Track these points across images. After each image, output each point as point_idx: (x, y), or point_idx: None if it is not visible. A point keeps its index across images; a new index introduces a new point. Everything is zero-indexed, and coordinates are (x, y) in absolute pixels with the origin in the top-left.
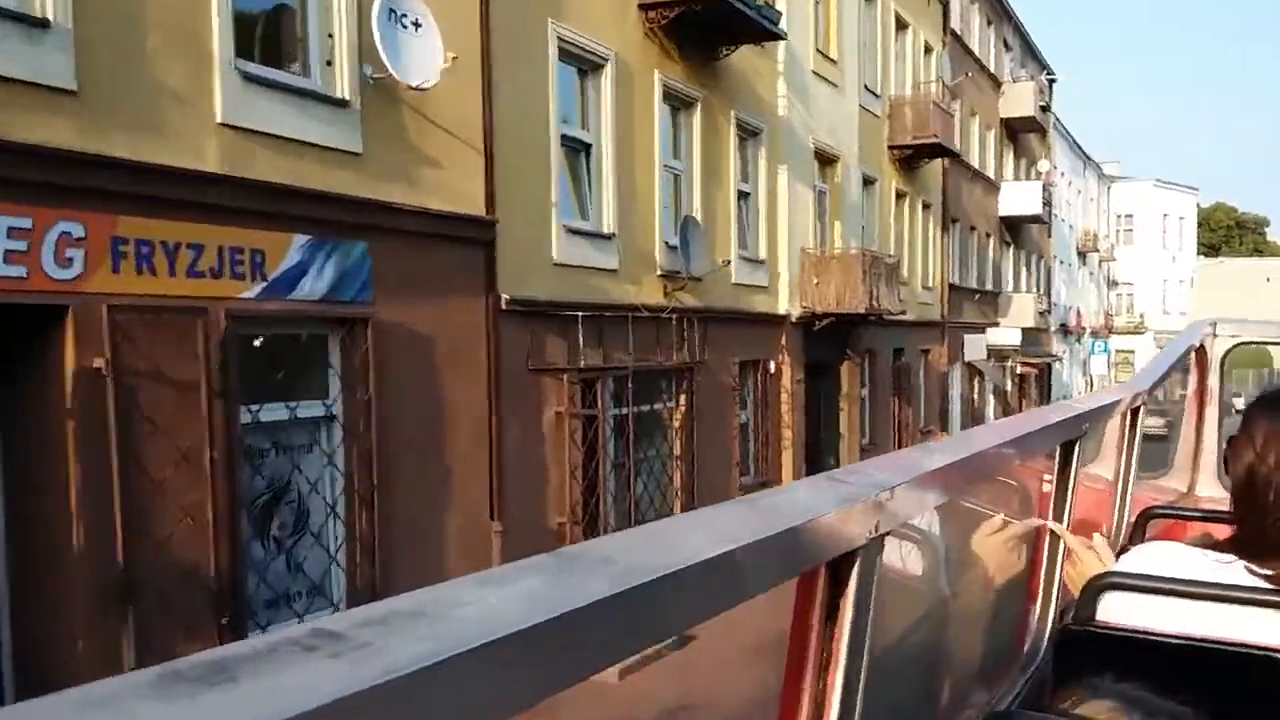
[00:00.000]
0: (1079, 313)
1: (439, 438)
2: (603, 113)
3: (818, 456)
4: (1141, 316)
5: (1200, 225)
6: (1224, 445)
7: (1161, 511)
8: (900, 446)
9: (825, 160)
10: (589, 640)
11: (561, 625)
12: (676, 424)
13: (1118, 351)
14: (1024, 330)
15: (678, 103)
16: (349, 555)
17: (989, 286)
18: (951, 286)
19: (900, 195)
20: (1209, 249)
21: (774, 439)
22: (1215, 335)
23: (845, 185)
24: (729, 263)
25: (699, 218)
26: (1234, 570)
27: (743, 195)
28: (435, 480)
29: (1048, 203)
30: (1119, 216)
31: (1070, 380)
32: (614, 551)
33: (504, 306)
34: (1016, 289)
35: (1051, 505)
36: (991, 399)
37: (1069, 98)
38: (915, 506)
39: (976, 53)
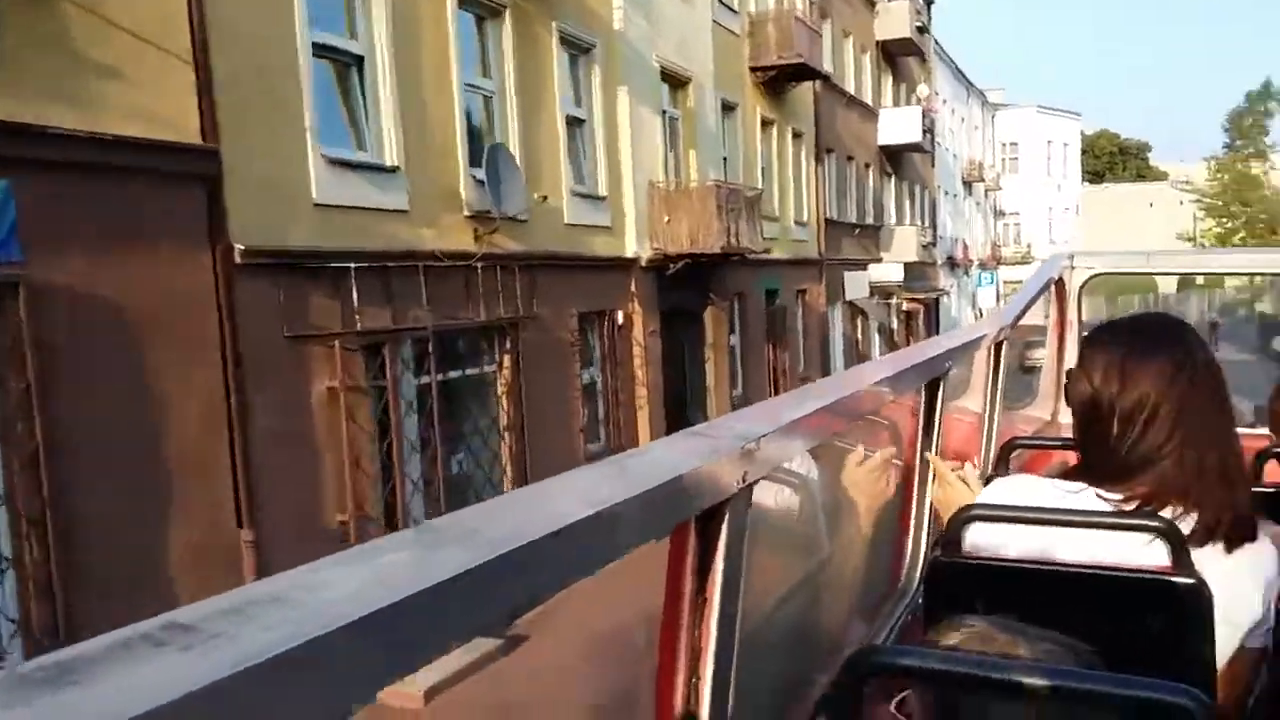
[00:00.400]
0: (965, 245)
1: (150, 432)
2: (374, 18)
3: (681, 413)
4: (1029, 246)
5: (1084, 153)
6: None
7: (1023, 442)
8: (777, 394)
9: (675, 82)
10: (456, 612)
11: (426, 599)
12: (501, 389)
13: (1006, 283)
14: (908, 265)
15: (480, 10)
16: (18, 596)
17: (870, 220)
18: (828, 221)
19: (767, 123)
20: (1093, 176)
21: (627, 398)
22: (1073, 268)
23: (700, 111)
24: (546, 198)
25: (517, 147)
26: (1083, 498)
27: (575, 122)
28: (147, 487)
29: (929, 130)
30: (1004, 145)
31: (960, 314)
32: (479, 522)
33: (239, 260)
34: (900, 222)
35: (919, 440)
36: (877, 338)
37: (948, 21)
38: (783, 454)
39: None
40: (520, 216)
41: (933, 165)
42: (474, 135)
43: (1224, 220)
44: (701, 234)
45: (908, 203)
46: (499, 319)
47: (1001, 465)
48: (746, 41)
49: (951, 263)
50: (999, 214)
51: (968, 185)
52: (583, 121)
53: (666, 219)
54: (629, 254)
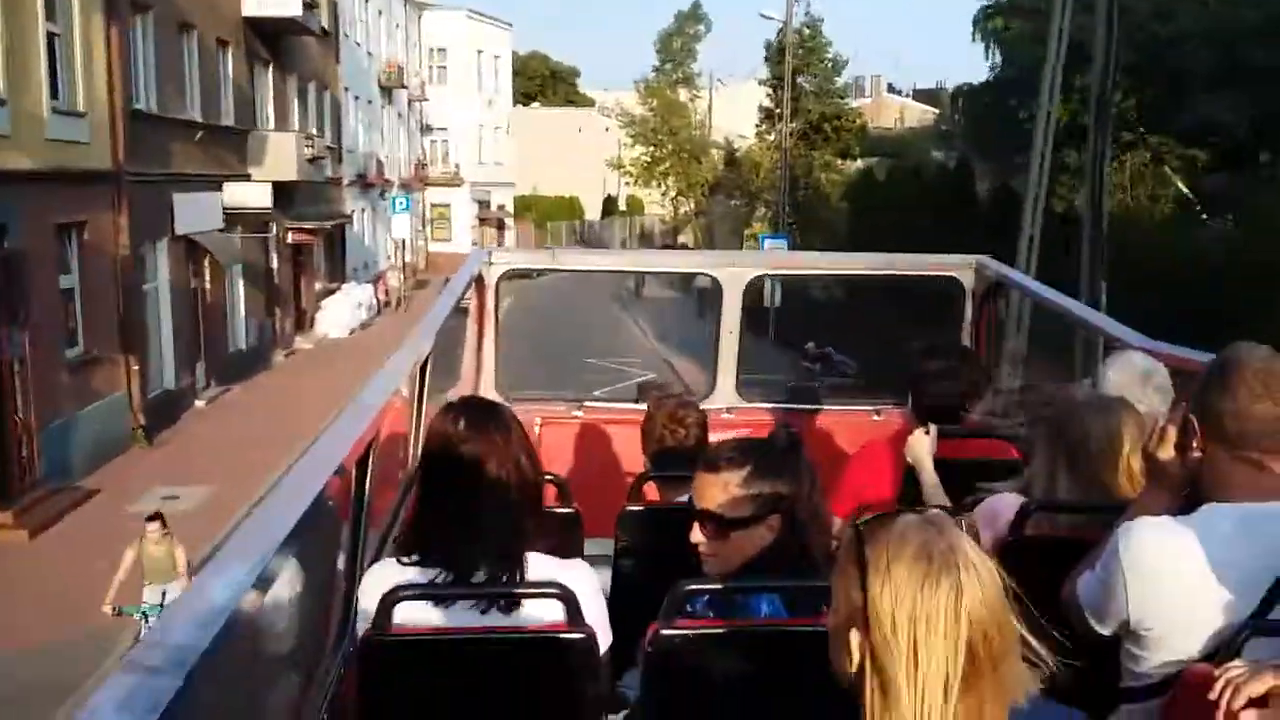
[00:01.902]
0: (381, 161)
1: None
2: None
3: None
4: (457, 167)
5: (517, 74)
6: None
7: None
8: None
9: None
10: None
11: None
12: None
13: (434, 205)
14: (293, 185)
15: None
16: None
17: (228, 121)
18: (135, 114)
19: None
20: (524, 98)
21: None
22: (491, 264)
23: None
24: None
25: None
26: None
27: None
28: None
29: (313, 5)
30: (431, 51)
31: (375, 245)
32: None
33: None
34: (282, 127)
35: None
36: (242, 288)
37: None
38: None
39: None
40: None
41: (337, 60)
42: None
43: (650, 149)
44: None
45: (296, 103)
46: None
47: None
48: None
49: (364, 182)
50: (425, 129)
51: (387, 92)
52: None
53: None
54: None
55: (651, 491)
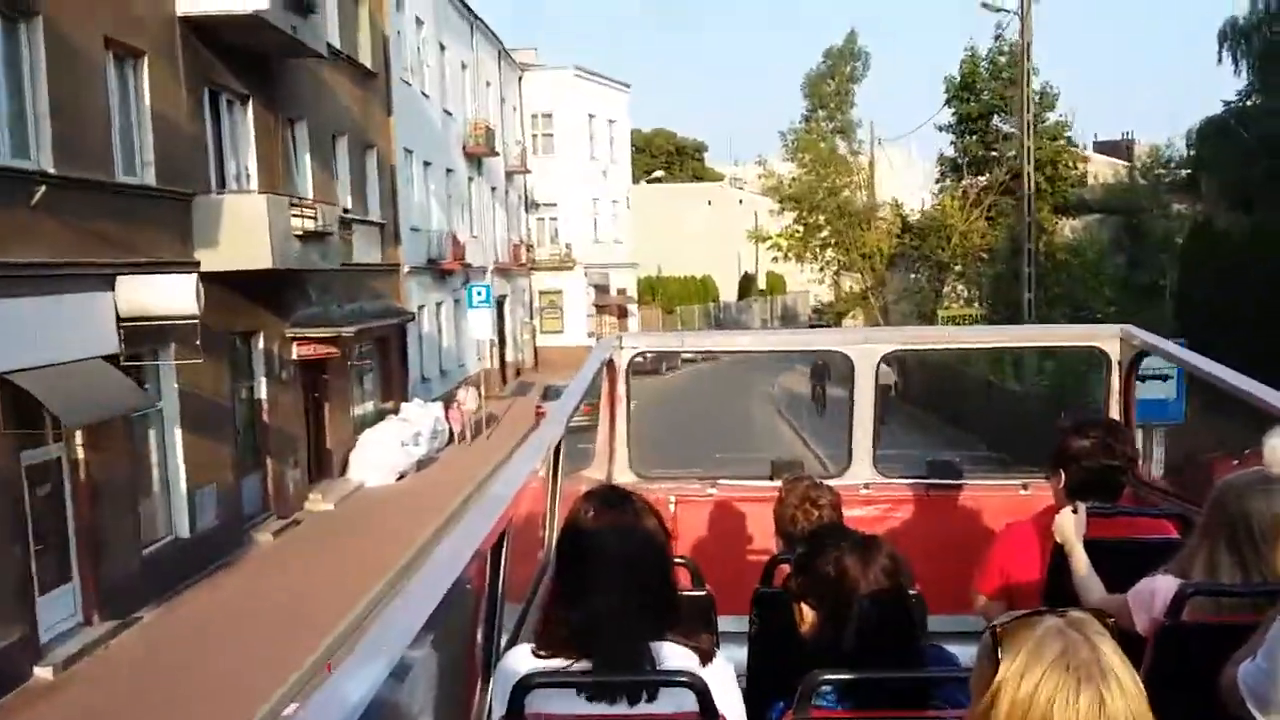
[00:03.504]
0: (458, 240)
1: None
2: None
3: None
4: (568, 247)
5: (640, 151)
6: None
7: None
8: None
9: None
10: None
11: None
12: None
13: (543, 293)
14: (286, 276)
15: None
16: None
17: (141, 176)
18: None
19: None
20: (654, 180)
21: None
22: (621, 348)
23: None
24: None
25: None
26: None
27: None
28: None
29: (309, 8)
30: (535, 117)
31: (459, 348)
32: None
33: None
34: (246, 186)
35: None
36: (179, 443)
37: None
38: None
39: None
40: None
41: (388, 112)
42: None
43: (804, 216)
44: None
45: (311, 162)
46: None
47: None
48: None
49: (438, 269)
50: (531, 205)
51: (475, 161)
52: None
53: None
54: None
55: (784, 573)
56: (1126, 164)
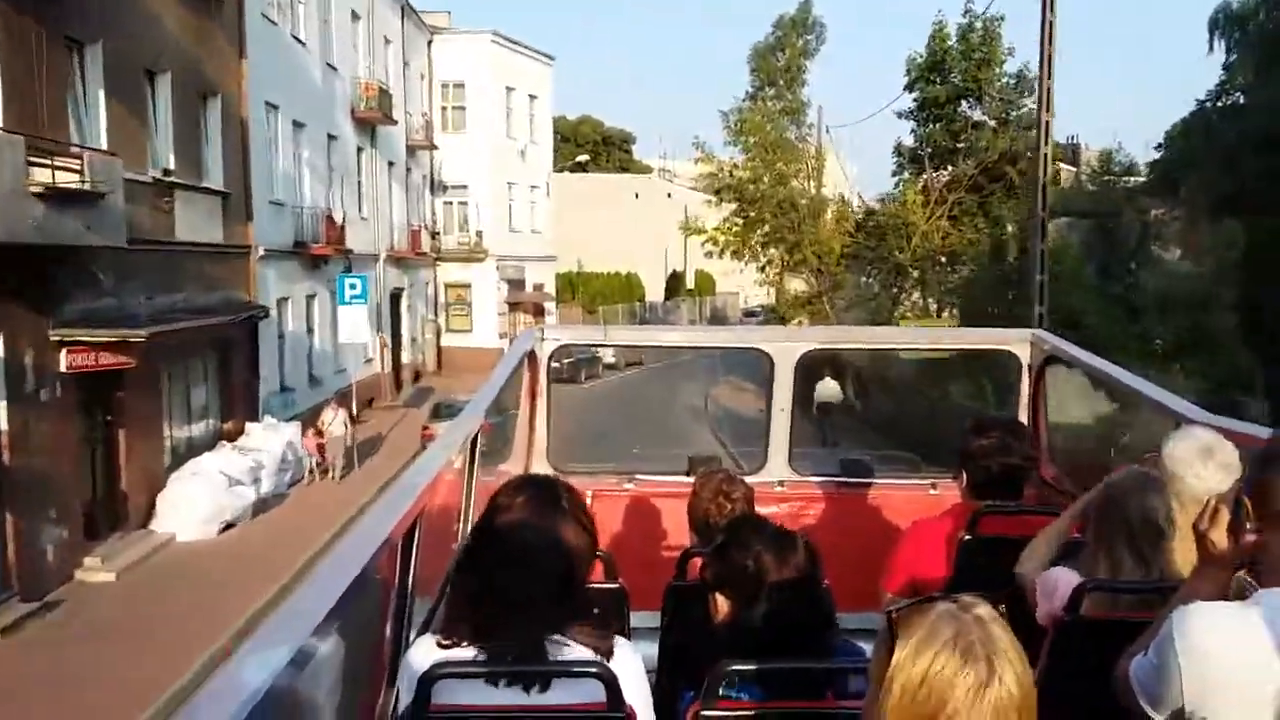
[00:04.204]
0: (334, 220)
1: None
2: None
3: None
4: (479, 235)
5: (566, 140)
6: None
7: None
8: None
9: None
10: None
11: None
12: None
13: (449, 286)
14: (53, 252)
15: None
16: None
17: None
18: None
19: None
20: (577, 167)
21: None
22: (543, 340)
23: None
24: None
25: None
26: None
27: None
28: None
29: None
30: (446, 87)
31: (333, 352)
32: None
33: None
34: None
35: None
36: None
37: None
38: None
39: None
40: None
41: (241, 54)
42: None
43: (746, 208)
44: None
45: (105, 108)
46: None
47: None
48: None
49: (308, 254)
50: (439, 186)
51: (367, 128)
52: None
53: None
54: None
55: (697, 566)
56: (1072, 168)
